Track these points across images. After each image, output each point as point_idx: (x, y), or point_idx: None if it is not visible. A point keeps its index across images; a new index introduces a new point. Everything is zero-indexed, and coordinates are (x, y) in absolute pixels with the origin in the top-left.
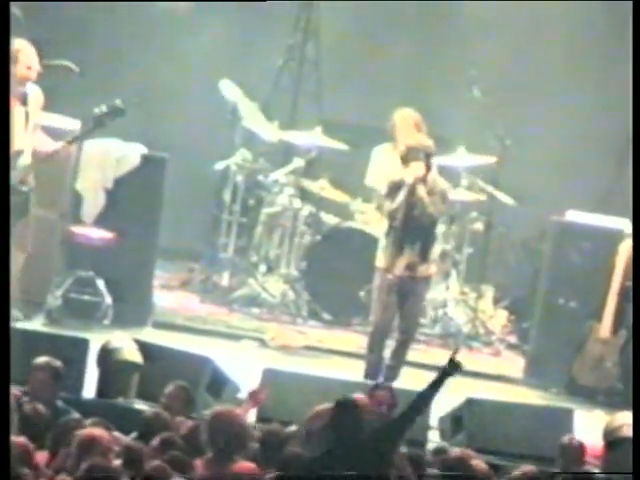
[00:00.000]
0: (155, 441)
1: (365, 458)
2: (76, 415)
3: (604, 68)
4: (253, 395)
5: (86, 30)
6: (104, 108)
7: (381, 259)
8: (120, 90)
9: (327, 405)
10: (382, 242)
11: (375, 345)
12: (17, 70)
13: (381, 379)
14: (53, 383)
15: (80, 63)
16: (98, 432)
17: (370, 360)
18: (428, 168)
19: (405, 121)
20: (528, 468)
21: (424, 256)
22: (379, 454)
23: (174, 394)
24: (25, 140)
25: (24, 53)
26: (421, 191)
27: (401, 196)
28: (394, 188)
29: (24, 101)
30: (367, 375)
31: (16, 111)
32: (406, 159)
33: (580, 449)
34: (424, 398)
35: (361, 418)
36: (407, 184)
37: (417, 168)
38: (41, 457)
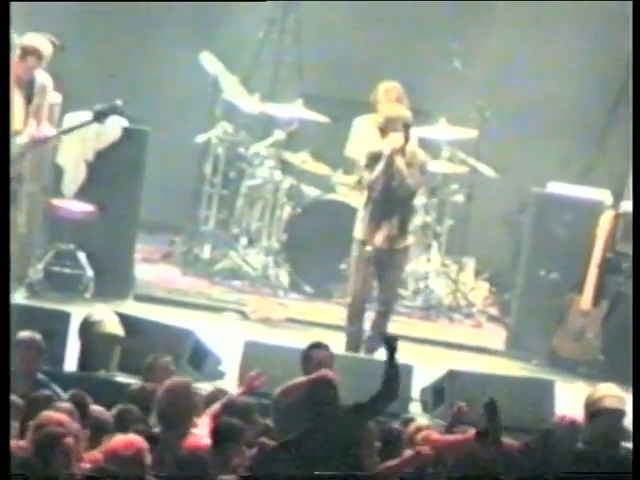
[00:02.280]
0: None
1: (339, 437)
2: (56, 388)
3: (587, 40)
4: (249, 379)
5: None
6: (106, 106)
7: (359, 230)
8: (102, 65)
9: (295, 380)
10: (360, 213)
11: (354, 317)
12: (28, 62)
13: (362, 351)
14: (35, 358)
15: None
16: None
17: (350, 332)
18: (407, 139)
19: (388, 94)
20: None
21: (402, 228)
22: (352, 433)
23: (157, 367)
24: (24, 123)
25: (37, 46)
26: (399, 162)
27: (379, 167)
28: (373, 159)
29: (30, 84)
30: (348, 347)
31: (18, 93)
32: (385, 130)
33: (573, 426)
34: (388, 380)
35: (336, 396)
36: (385, 155)
37: (395, 139)
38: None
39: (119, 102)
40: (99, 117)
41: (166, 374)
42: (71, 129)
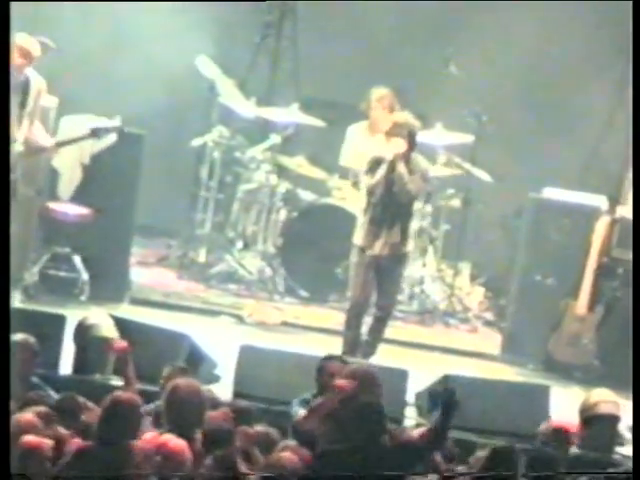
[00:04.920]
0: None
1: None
2: (49, 391)
3: (584, 44)
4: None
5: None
6: (106, 124)
7: (359, 236)
8: (98, 67)
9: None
10: (360, 219)
11: (352, 322)
12: (16, 62)
13: (358, 356)
14: (29, 360)
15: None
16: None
17: (347, 337)
18: (411, 147)
19: (381, 102)
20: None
21: (402, 234)
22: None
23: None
24: (19, 129)
25: (26, 47)
26: (401, 168)
27: (380, 172)
28: (375, 164)
29: (24, 89)
30: (344, 351)
31: (12, 100)
32: (389, 135)
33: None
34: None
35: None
36: (387, 160)
37: (397, 144)
38: None
39: (118, 123)
40: (96, 134)
41: None
42: (68, 142)
